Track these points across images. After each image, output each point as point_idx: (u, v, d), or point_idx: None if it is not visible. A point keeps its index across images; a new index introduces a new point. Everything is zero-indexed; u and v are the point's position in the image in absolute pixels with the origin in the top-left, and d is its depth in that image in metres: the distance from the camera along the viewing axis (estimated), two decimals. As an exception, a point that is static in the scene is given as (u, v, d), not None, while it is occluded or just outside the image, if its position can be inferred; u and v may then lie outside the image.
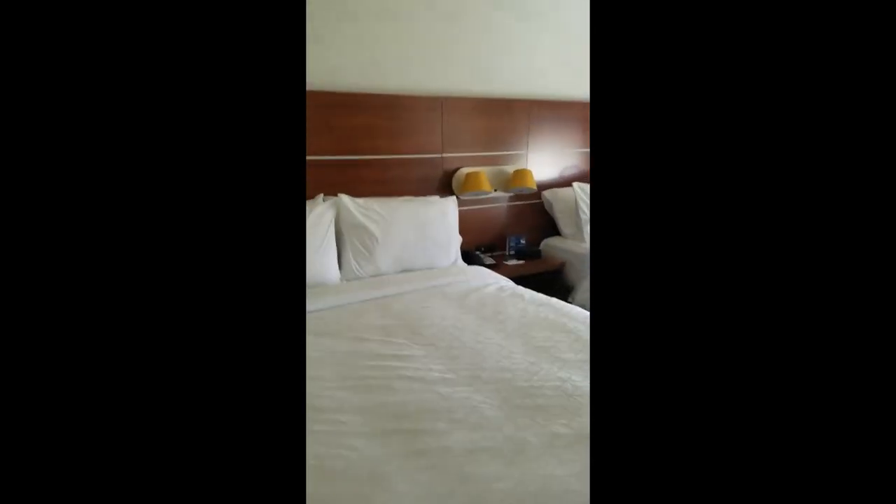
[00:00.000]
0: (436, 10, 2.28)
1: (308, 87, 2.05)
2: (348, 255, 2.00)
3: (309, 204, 1.98)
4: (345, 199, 2.05)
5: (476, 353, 1.31)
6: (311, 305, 1.60)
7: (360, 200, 2.09)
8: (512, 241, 2.72)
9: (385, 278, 1.98)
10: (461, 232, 2.55)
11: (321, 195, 2.08)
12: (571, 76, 2.80)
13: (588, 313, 1.59)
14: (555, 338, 1.42)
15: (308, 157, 2.08)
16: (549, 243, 2.79)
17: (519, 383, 1.14)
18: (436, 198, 2.30)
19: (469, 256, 2.50)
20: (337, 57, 2.12)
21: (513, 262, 2.57)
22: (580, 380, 1.15)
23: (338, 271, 1.97)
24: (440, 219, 2.21)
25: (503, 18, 2.47)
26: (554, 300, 1.77)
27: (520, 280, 2.69)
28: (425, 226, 2.15)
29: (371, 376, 1.18)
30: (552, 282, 2.68)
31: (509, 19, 2.49)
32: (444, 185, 2.50)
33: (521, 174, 2.59)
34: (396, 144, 2.32)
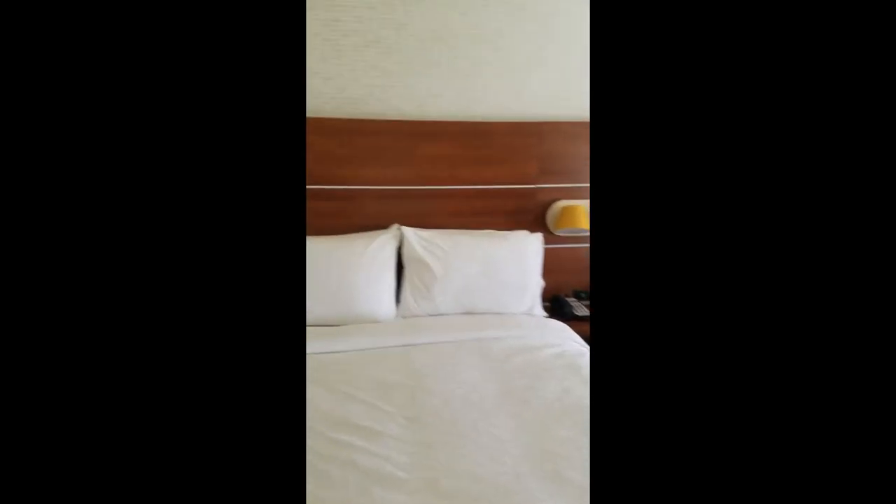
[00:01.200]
0: (526, 31, 2.02)
1: (390, 117, 2.04)
2: (406, 291, 1.90)
3: (376, 234, 1.95)
4: (407, 230, 1.96)
5: (457, 447, 1.04)
6: (332, 345, 1.55)
7: (425, 233, 1.96)
8: (620, 289, 2.23)
9: (426, 322, 1.81)
10: (556, 272, 2.20)
11: (395, 225, 2.03)
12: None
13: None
14: (579, 442, 1.04)
15: (385, 187, 2.06)
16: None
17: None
18: (507, 233, 2.03)
19: (558, 302, 2.13)
20: (426, 85, 2.05)
21: (615, 315, 2.09)
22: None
23: (394, 307, 1.88)
24: (514, 257, 1.93)
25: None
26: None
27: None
28: (494, 264, 1.90)
29: (319, 453, 1.03)
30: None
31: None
32: (538, 220, 2.19)
33: (634, 210, 2.10)
34: (482, 174, 2.12)
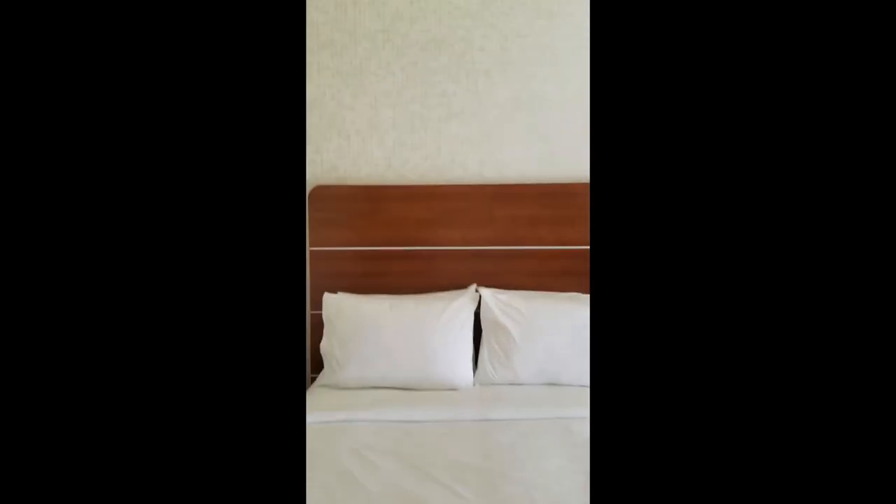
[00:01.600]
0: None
1: (472, 182, 2.09)
2: (484, 356, 1.85)
3: (455, 295, 1.95)
4: (485, 292, 1.93)
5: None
6: (409, 414, 1.53)
7: (503, 295, 1.92)
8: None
9: (505, 392, 1.73)
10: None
11: (473, 286, 2.02)
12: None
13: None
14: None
15: (466, 248, 2.08)
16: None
17: None
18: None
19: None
20: (507, 149, 2.10)
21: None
22: None
23: (471, 373, 1.84)
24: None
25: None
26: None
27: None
28: (578, 331, 1.79)
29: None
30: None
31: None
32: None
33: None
34: (563, 234, 2.07)
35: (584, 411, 1.55)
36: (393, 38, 2.04)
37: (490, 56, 2.04)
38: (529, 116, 2.07)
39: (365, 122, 2.10)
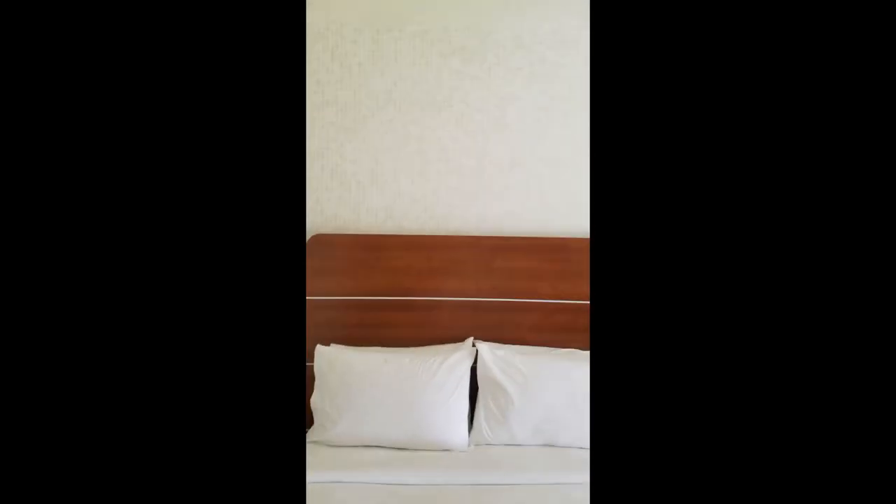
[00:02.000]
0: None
1: (472, 233, 2.11)
2: (480, 416, 1.79)
3: (451, 350, 1.92)
4: (482, 347, 1.89)
5: None
6: (402, 476, 1.46)
7: (501, 351, 1.88)
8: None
9: (500, 453, 1.67)
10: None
11: (470, 339, 1.99)
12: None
13: None
14: None
15: (464, 299, 2.07)
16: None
17: None
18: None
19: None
20: (505, 204, 2.13)
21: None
22: None
23: (466, 433, 1.77)
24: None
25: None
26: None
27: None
28: (578, 390, 1.74)
29: None
30: None
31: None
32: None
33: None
34: (561, 288, 2.06)
35: (582, 477, 1.49)
36: (395, 98, 2.12)
37: (488, 116, 2.11)
38: (524, 173, 2.11)
39: (367, 173, 2.14)
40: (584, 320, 2.04)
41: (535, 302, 2.07)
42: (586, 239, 2.05)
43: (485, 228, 2.12)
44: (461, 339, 1.99)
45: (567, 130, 2.08)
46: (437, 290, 2.07)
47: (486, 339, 1.96)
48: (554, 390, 1.75)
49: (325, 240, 2.09)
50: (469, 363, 1.87)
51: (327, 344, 1.92)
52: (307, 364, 1.97)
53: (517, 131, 2.11)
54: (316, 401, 1.82)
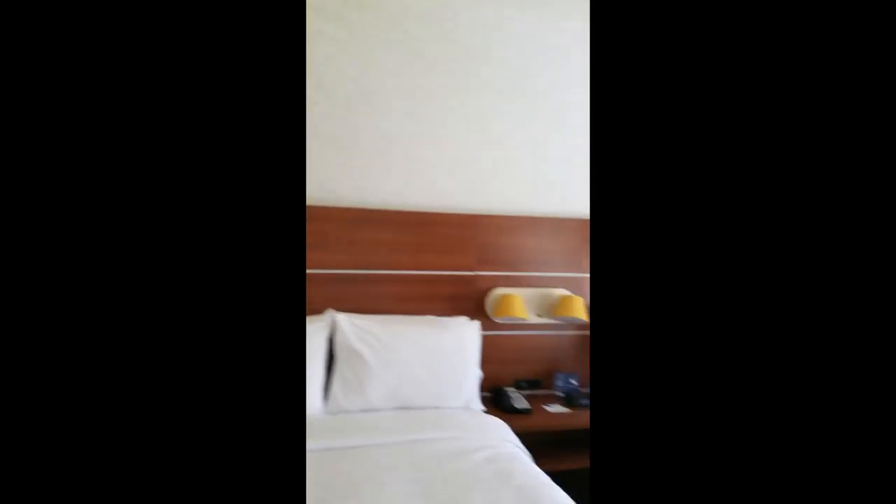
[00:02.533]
0: (463, 132, 2.18)
1: (333, 203, 2.06)
2: (336, 385, 1.79)
3: (308, 321, 1.87)
4: (340, 317, 1.89)
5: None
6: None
7: (360, 320, 1.90)
8: (560, 379, 2.22)
9: (356, 419, 1.69)
10: (495, 361, 2.17)
11: (329, 310, 1.96)
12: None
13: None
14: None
15: (327, 271, 2.02)
16: (611, 387, 2.20)
17: None
18: (447, 319, 2.01)
19: (498, 393, 2.08)
20: (367, 174, 2.12)
21: (555, 408, 2.06)
22: None
23: (321, 402, 1.76)
24: (453, 346, 1.89)
25: (551, 133, 2.25)
26: (552, 492, 1.27)
27: (559, 435, 2.13)
28: (434, 355, 1.85)
29: None
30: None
31: (561, 135, 2.26)
32: (478, 307, 2.20)
33: (568, 301, 2.16)
34: (423, 260, 2.14)
35: (433, 433, 1.59)
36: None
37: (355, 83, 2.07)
38: (399, 150, 2.12)
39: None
40: (443, 289, 2.17)
41: (397, 273, 2.12)
42: (451, 214, 2.16)
43: (351, 200, 2.09)
44: (320, 312, 1.95)
45: (429, 108, 2.13)
46: (297, 262, 1.99)
47: (347, 311, 1.95)
48: (409, 356, 1.82)
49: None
50: (325, 334, 1.85)
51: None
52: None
53: (384, 104, 2.10)
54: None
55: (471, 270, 2.19)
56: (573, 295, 2.21)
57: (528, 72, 2.17)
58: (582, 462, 1.98)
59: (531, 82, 2.19)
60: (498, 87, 2.16)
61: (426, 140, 2.14)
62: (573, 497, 1.27)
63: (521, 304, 2.09)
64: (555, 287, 2.26)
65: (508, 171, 2.24)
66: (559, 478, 1.43)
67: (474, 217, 2.18)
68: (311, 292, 2.00)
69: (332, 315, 1.91)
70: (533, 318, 2.20)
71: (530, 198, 2.28)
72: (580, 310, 2.13)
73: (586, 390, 2.24)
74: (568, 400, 2.12)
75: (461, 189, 2.21)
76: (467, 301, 2.18)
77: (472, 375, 1.93)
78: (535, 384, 2.22)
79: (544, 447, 2.09)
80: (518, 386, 2.19)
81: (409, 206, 2.14)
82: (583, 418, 1.98)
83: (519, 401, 2.03)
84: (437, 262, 2.16)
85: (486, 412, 1.88)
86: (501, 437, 1.62)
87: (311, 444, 1.48)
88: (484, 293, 2.19)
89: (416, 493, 1.24)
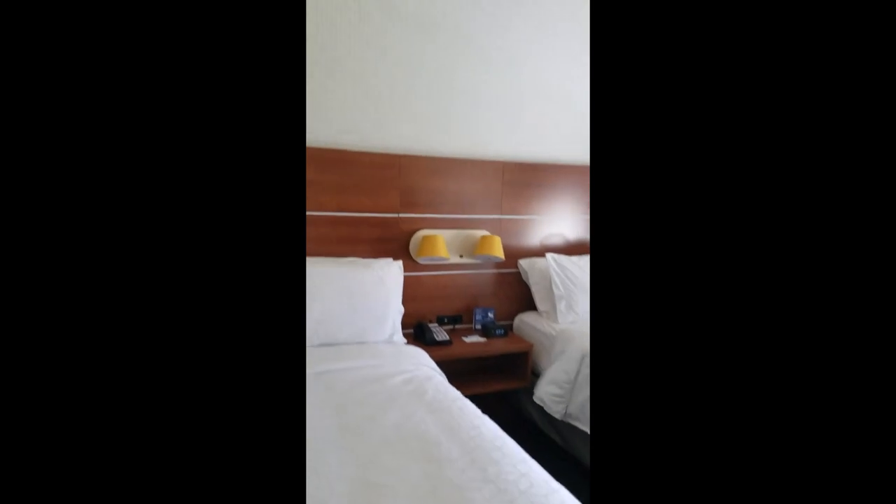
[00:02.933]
0: (392, 72, 2.12)
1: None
2: (258, 323, 1.81)
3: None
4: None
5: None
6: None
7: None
8: (478, 314, 2.38)
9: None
10: (419, 299, 2.28)
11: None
12: (561, 141, 2.49)
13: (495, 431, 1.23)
14: (407, 470, 1.08)
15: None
16: (524, 319, 2.41)
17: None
18: (371, 260, 2.07)
19: (421, 328, 2.21)
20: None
21: (472, 339, 2.23)
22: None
23: (243, 340, 1.78)
24: (376, 285, 1.96)
25: (478, 74, 2.26)
26: (461, 403, 1.42)
27: (479, 362, 2.32)
28: (357, 293, 1.91)
29: None
30: (516, 366, 2.28)
31: (487, 75, 2.27)
32: (402, 248, 2.26)
33: (488, 241, 2.28)
34: (346, 202, 2.14)
35: (351, 363, 1.68)
36: None
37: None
38: (319, 86, 2.04)
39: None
40: (368, 232, 2.20)
41: (319, 215, 2.11)
42: (373, 153, 2.14)
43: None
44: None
45: (345, 41, 2.05)
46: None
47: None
48: (332, 294, 1.87)
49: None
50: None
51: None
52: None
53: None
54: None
55: (395, 213, 2.22)
56: (492, 235, 2.33)
57: (454, 5, 2.13)
58: (494, 387, 2.20)
59: (453, 18, 2.15)
60: (422, 21, 2.10)
61: (348, 79, 2.07)
62: (482, 411, 1.43)
63: (443, 245, 2.18)
64: (476, 229, 2.37)
65: (434, 111, 2.24)
66: (475, 400, 1.59)
67: (397, 157, 2.19)
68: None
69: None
70: (455, 258, 2.31)
71: (455, 139, 2.31)
72: (498, 248, 2.26)
73: (501, 322, 2.43)
74: (484, 331, 2.29)
75: (383, 130, 2.19)
76: (391, 243, 2.24)
77: (395, 312, 2.02)
78: (455, 319, 2.37)
79: (463, 374, 2.28)
80: (440, 321, 2.34)
81: (329, 144, 2.10)
82: (497, 345, 2.17)
83: (440, 333, 2.18)
84: (361, 203, 2.17)
85: (408, 345, 2.00)
86: (419, 362, 1.75)
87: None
88: (408, 235, 2.26)
89: (330, 415, 1.33)
